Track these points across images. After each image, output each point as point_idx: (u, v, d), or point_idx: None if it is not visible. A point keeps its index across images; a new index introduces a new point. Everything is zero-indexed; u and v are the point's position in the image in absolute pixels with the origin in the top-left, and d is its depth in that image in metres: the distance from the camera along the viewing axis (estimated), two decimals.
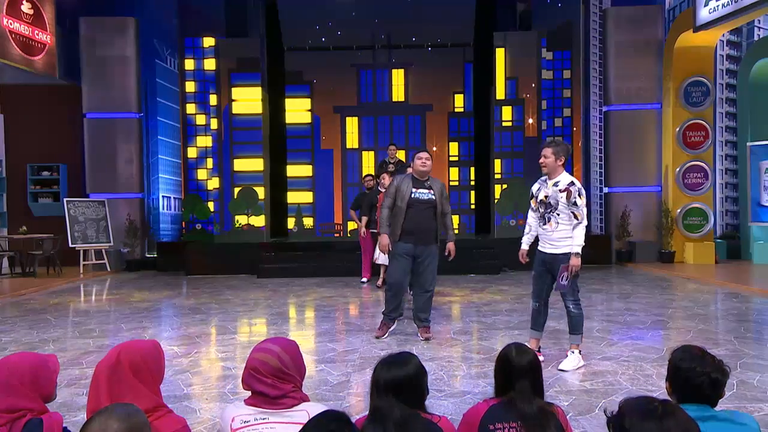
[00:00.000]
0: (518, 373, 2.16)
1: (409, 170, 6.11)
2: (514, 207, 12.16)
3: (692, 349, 2.08)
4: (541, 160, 4.69)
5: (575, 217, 4.54)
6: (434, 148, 15.79)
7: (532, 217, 4.88)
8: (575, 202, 4.52)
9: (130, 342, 2.12)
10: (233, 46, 13.12)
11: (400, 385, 2.05)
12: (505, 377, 2.21)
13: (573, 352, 4.63)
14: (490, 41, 13.15)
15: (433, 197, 5.54)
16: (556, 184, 4.61)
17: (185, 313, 7.36)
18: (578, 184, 4.62)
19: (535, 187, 4.84)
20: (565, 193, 4.54)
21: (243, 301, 8.25)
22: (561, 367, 4.55)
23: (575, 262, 4.50)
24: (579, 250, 4.52)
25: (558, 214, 4.58)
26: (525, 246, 4.94)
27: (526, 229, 4.95)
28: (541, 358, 4.75)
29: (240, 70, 12.96)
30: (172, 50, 14.20)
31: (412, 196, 5.51)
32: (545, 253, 4.70)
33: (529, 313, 4.94)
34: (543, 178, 4.77)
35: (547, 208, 4.64)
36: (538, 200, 4.72)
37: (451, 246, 5.72)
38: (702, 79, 11.78)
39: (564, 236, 4.58)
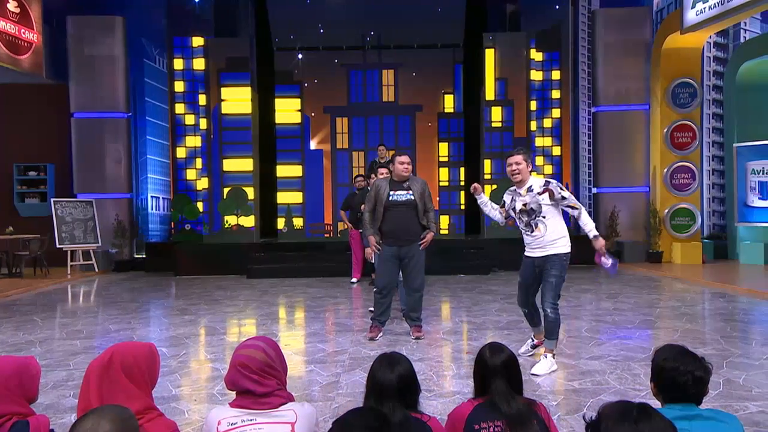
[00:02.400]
0: (493, 373, 2.20)
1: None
2: None
3: (674, 349, 2.10)
4: (513, 168, 4.51)
5: (572, 207, 4.46)
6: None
7: (498, 212, 4.88)
8: (562, 196, 4.44)
9: (125, 343, 2.11)
10: (222, 46, 13.07)
11: (402, 385, 2.11)
12: (481, 377, 2.25)
13: (546, 357, 4.52)
14: (479, 42, 13.20)
15: (412, 197, 5.51)
16: (530, 189, 4.51)
17: (174, 314, 7.32)
18: (552, 180, 4.56)
19: (507, 198, 4.73)
20: (546, 193, 4.44)
21: (232, 301, 8.22)
22: (533, 371, 4.39)
23: (601, 243, 4.41)
24: (597, 231, 4.45)
25: (544, 217, 4.46)
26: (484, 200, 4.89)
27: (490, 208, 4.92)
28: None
29: (229, 69, 12.91)
30: (161, 50, 14.11)
31: (390, 198, 5.51)
32: (536, 257, 4.54)
33: (520, 314, 4.90)
34: (512, 188, 4.68)
35: (531, 215, 4.50)
36: (518, 210, 4.57)
37: (429, 235, 5.59)
38: (689, 80, 11.88)
39: (556, 237, 4.48)
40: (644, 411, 1.56)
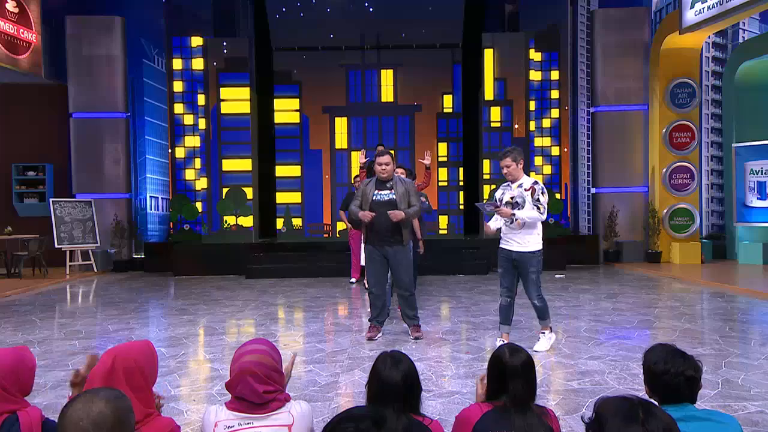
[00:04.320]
0: (511, 374, 2.12)
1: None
2: None
3: (663, 350, 2.08)
4: (504, 171, 5.07)
5: (538, 209, 4.98)
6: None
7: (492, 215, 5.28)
8: (538, 198, 4.99)
9: (123, 346, 2.06)
10: (221, 46, 13.07)
11: (407, 383, 2.08)
12: (498, 379, 2.16)
13: (543, 333, 5.11)
14: (478, 42, 13.21)
15: (393, 197, 5.53)
16: (520, 185, 5.06)
17: (173, 314, 7.32)
18: (541, 184, 5.08)
19: (498, 192, 5.25)
20: (530, 191, 5.00)
21: (231, 301, 8.22)
22: (535, 348, 4.95)
23: (508, 211, 4.96)
24: (519, 216, 4.94)
25: None
26: (493, 226, 5.24)
27: (494, 218, 5.26)
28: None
29: (228, 69, 12.92)
30: (160, 50, 14.10)
31: (373, 198, 5.55)
32: (512, 251, 5.09)
33: (519, 314, 5.24)
34: (506, 183, 5.22)
35: (514, 207, 5.04)
36: (504, 202, 5.09)
37: (395, 212, 5.39)
38: (688, 80, 11.89)
39: (530, 233, 5.03)
40: (648, 408, 1.53)
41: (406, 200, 5.57)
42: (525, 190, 5.00)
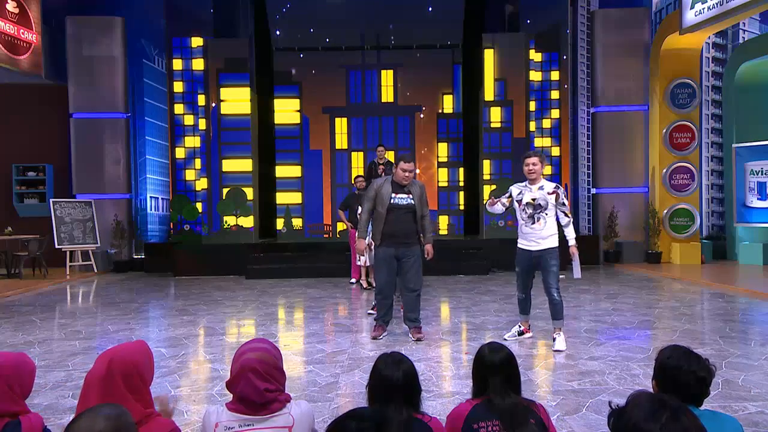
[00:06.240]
0: (491, 370, 2.22)
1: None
2: None
3: (679, 349, 2.10)
4: (530, 168, 5.24)
5: (565, 215, 5.27)
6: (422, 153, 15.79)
7: (502, 204, 5.43)
8: (563, 202, 5.25)
9: (119, 348, 2.04)
10: (222, 47, 13.07)
11: (408, 382, 2.12)
12: (480, 376, 2.27)
13: (560, 335, 5.23)
14: (478, 42, 13.20)
15: (413, 202, 5.57)
16: (541, 188, 5.25)
17: (173, 315, 7.32)
18: (562, 188, 5.31)
19: (515, 191, 5.39)
20: (554, 195, 5.21)
21: (231, 302, 8.22)
22: (556, 348, 5.11)
23: (575, 250, 5.27)
24: (571, 238, 5.29)
25: (546, 214, 5.21)
26: (498, 209, 5.42)
27: (499, 204, 5.42)
28: (529, 334, 5.60)
29: (228, 70, 12.92)
30: (160, 50, 14.11)
31: (392, 201, 5.53)
32: (533, 251, 5.27)
33: (518, 303, 5.64)
34: (523, 183, 5.37)
35: (536, 209, 5.22)
36: (524, 203, 5.26)
37: (428, 247, 5.75)
38: (688, 81, 11.89)
39: (551, 233, 5.23)
40: (676, 414, 1.49)
41: (421, 206, 5.62)
42: (548, 193, 5.21)
